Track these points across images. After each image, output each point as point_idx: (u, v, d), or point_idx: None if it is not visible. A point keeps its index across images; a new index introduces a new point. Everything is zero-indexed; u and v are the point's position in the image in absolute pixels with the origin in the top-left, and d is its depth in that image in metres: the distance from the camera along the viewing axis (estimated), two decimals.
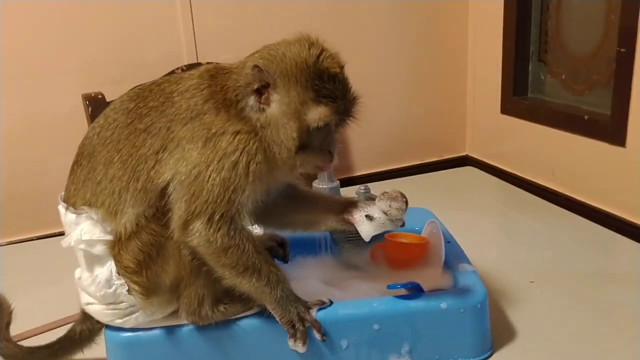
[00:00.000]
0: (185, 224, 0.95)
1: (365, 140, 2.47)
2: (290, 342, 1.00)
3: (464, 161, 2.62)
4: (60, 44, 1.96)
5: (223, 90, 0.98)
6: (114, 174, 0.98)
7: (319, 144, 0.99)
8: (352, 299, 1.11)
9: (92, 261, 1.02)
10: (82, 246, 1.00)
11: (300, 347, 1.00)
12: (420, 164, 2.58)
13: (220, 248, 0.95)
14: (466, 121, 2.64)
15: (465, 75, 2.59)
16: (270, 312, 1.02)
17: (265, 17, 2.17)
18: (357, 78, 2.52)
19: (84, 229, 1.00)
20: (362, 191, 1.40)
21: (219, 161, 0.94)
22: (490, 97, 2.43)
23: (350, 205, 1.13)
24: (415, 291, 1.08)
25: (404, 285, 1.08)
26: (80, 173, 1.02)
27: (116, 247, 1.00)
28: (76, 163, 1.04)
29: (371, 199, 1.40)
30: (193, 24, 2.10)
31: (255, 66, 0.95)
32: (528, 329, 1.21)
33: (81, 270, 1.05)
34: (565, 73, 2.17)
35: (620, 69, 1.80)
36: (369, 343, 1.06)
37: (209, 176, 0.94)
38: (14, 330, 1.13)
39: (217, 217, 0.94)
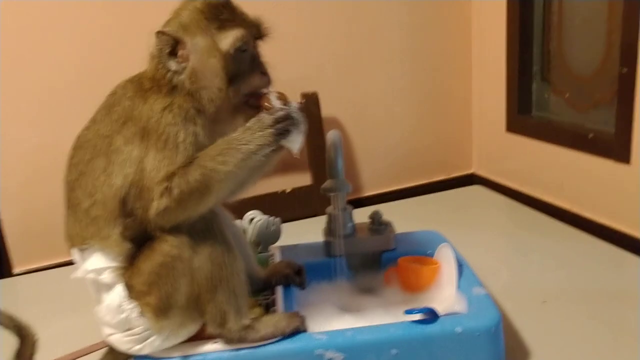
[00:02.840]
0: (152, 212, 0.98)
1: (373, 161, 2.51)
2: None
3: (471, 179, 2.66)
4: (75, 77, 2.01)
5: (145, 80, 1.04)
6: (86, 207, 1.03)
7: (248, 70, 1.04)
8: (369, 324, 1.14)
9: (102, 290, 1.06)
10: (90, 275, 1.04)
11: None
12: (428, 183, 2.61)
13: (179, 202, 0.97)
14: (472, 140, 2.67)
15: (470, 94, 2.64)
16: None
17: (277, 44, 2.23)
18: (365, 100, 2.58)
19: (91, 261, 1.05)
20: (375, 216, 1.43)
21: (156, 143, 0.98)
22: (496, 115, 2.47)
23: None
24: (431, 316, 1.11)
25: (420, 311, 1.11)
26: (69, 221, 1.07)
27: (127, 271, 1.04)
28: (66, 216, 1.09)
29: (383, 223, 1.43)
30: None
31: (158, 32, 1.01)
32: (542, 350, 1.23)
33: (97, 303, 1.09)
34: (568, 92, 2.21)
35: (623, 88, 1.84)
36: None
37: (149, 160, 0.98)
38: None
39: (166, 188, 0.97)
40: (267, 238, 1.46)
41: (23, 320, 1.14)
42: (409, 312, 1.11)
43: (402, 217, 1.52)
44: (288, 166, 2.31)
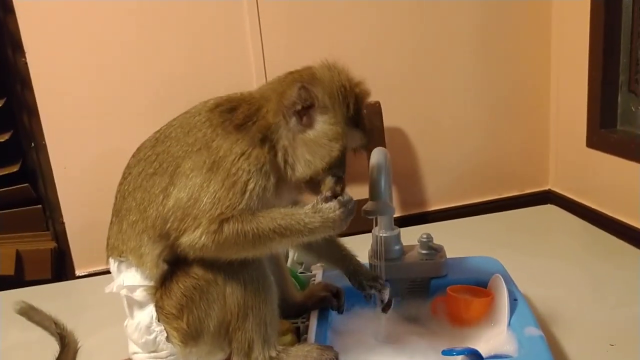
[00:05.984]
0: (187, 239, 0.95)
1: (440, 173, 2.41)
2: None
3: (547, 196, 2.49)
4: (133, 83, 2.05)
5: (236, 115, 0.99)
6: (133, 219, 1.02)
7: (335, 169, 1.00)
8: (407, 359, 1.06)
9: (135, 307, 1.06)
10: (123, 292, 1.04)
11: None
12: (499, 198, 2.47)
13: (220, 245, 0.94)
14: (549, 154, 2.50)
15: (548, 105, 2.47)
16: None
17: (339, 49, 2.18)
18: (431, 108, 2.48)
19: (126, 275, 1.04)
20: (425, 239, 1.33)
21: (223, 180, 0.94)
22: (575, 128, 2.30)
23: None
24: (473, 358, 1.01)
25: (461, 352, 1.01)
26: (113, 229, 1.07)
27: (158, 292, 1.03)
28: (110, 224, 1.08)
29: (433, 249, 1.33)
30: (264, 57, 2.14)
31: (303, 86, 0.95)
32: None
33: (128, 318, 1.08)
34: None
35: None
36: None
37: (208, 193, 0.95)
38: None
39: (216, 229, 0.94)
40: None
41: (67, 328, 1.15)
42: (447, 352, 1.02)
43: (465, 236, 1.43)
44: (347, 178, 2.24)
